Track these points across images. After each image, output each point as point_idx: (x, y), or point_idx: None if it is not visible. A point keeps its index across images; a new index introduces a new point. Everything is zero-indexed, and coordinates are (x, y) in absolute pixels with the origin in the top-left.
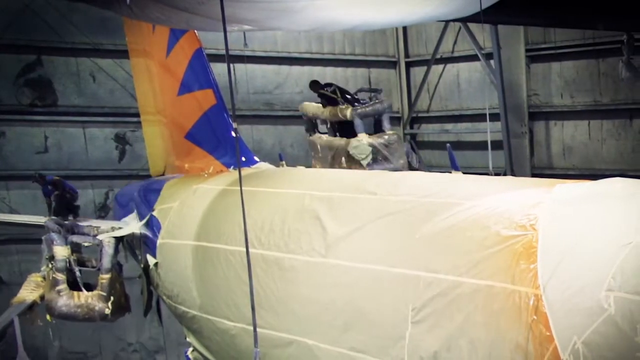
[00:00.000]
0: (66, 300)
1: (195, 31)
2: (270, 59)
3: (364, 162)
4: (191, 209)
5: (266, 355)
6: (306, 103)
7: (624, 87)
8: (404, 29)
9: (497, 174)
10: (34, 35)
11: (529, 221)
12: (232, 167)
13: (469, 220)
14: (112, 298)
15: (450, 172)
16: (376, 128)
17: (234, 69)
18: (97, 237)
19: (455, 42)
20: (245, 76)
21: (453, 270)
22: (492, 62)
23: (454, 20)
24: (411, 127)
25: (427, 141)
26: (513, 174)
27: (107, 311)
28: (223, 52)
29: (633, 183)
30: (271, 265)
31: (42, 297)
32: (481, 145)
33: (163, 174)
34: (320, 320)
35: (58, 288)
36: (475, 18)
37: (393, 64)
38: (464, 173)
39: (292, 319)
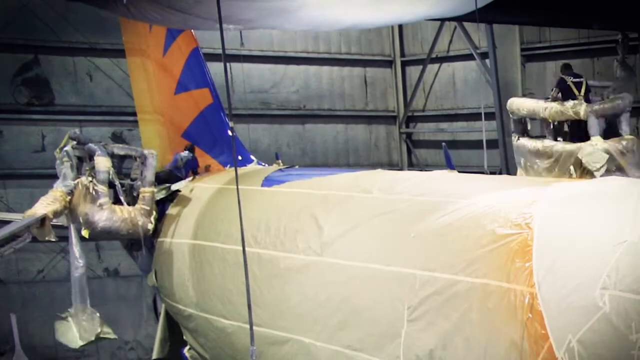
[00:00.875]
0: (109, 214)
1: (192, 30)
2: (267, 59)
3: (598, 173)
4: (188, 207)
5: (262, 353)
6: (517, 99)
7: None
8: (400, 28)
9: (492, 173)
10: (31, 34)
11: (524, 220)
12: (228, 165)
13: (464, 219)
14: (154, 213)
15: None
16: (611, 130)
17: (230, 68)
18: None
19: (450, 42)
20: (242, 75)
21: (449, 268)
22: (487, 61)
23: (450, 20)
24: (407, 126)
25: (422, 140)
26: (508, 173)
27: (150, 226)
28: (220, 51)
29: (628, 182)
30: (267, 263)
31: (56, 213)
32: (476, 144)
33: None
34: (316, 318)
35: (100, 201)
36: (470, 17)
37: (389, 63)
38: (459, 172)
39: (288, 317)
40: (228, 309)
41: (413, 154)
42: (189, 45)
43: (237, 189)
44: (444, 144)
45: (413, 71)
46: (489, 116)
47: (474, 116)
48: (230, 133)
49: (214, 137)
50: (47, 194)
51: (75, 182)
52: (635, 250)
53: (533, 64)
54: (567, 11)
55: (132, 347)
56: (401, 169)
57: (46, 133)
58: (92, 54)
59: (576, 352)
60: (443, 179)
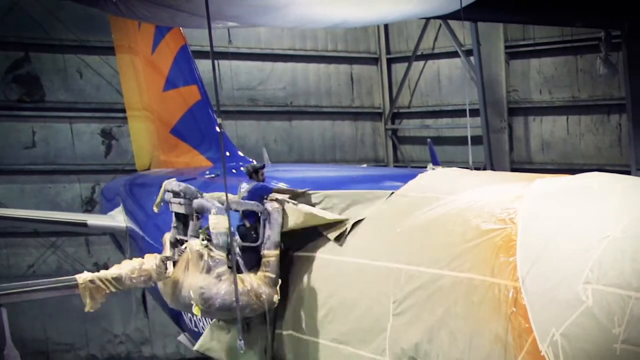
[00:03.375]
0: (229, 286)
1: (181, 28)
2: (254, 56)
3: None
4: None
5: None
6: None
7: (602, 83)
8: (386, 26)
9: (477, 169)
10: (22, 32)
11: (508, 215)
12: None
13: (449, 214)
14: (279, 281)
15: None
16: None
17: (218, 66)
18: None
19: (435, 39)
20: (230, 72)
21: (434, 263)
22: (472, 58)
23: (435, 18)
24: (392, 123)
25: (408, 136)
26: (493, 169)
27: (276, 298)
28: (208, 48)
29: (611, 177)
30: None
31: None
32: (461, 141)
33: (149, 169)
34: (304, 312)
35: (218, 271)
36: (455, 15)
37: (374, 61)
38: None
39: (276, 311)
40: None
41: (398, 150)
42: (177, 43)
43: (225, 180)
44: (429, 140)
45: (399, 68)
46: (474, 113)
47: (459, 113)
48: (218, 129)
49: (201, 133)
50: (134, 259)
51: (183, 247)
52: (618, 245)
53: (517, 61)
54: (550, 9)
55: (122, 340)
56: (386, 165)
57: (36, 129)
58: (82, 52)
59: (560, 345)
60: (428, 174)
